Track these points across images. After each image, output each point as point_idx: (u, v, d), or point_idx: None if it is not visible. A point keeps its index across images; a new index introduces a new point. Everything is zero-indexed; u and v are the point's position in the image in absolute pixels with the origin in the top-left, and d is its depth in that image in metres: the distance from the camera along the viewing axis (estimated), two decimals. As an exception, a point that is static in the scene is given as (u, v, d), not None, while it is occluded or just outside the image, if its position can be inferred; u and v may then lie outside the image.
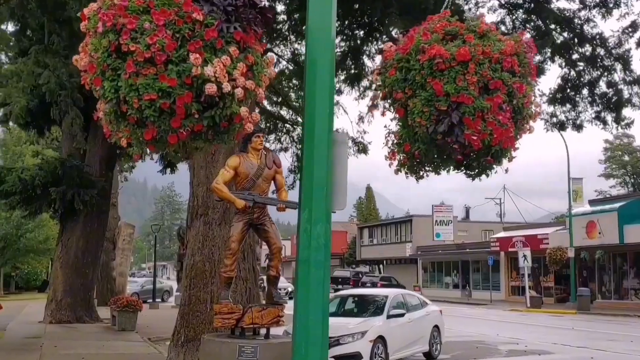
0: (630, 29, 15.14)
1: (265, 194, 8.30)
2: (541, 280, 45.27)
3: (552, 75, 17.23)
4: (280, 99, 21.16)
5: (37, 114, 22.18)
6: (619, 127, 16.33)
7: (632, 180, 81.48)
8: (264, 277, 8.03)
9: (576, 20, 15.33)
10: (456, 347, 17.67)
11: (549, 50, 15.87)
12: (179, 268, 40.77)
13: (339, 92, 19.40)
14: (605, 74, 15.88)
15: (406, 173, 5.65)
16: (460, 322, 23.79)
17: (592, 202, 43.17)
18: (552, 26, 15.61)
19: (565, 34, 15.36)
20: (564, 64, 16.30)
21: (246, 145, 8.33)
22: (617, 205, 38.29)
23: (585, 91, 16.24)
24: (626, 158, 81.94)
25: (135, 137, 4.99)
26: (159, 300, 41.84)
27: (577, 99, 16.38)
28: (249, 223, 8.17)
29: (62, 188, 22.91)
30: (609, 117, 16.34)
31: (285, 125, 22.76)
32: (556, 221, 62.49)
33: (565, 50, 15.73)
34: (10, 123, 29.65)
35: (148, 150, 5.57)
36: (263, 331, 7.98)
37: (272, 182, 8.37)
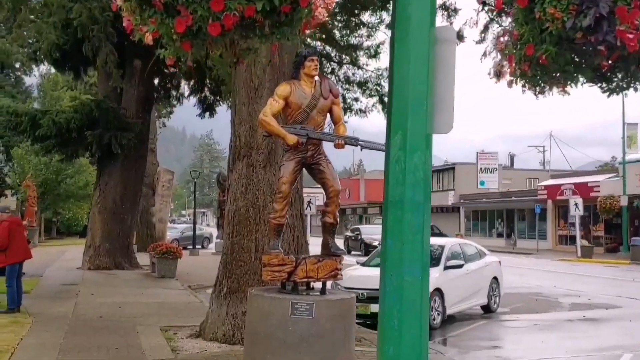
0: None
1: (321, 128, 7.17)
2: (591, 229, 43.70)
3: None
4: (324, 36, 19.81)
5: (70, 53, 21.23)
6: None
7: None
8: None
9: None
10: (514, 300, 16.58)
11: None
12: (218, 215, 40.23)
13: (389, 26, 17.98)
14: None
15: (523, 86, 4.39)
16: (510, 272, 22.64)
17: (647, 149, 41.26)
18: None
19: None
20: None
21: (298, 72, 7.17)
22: (675, 151, 36.48)
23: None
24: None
25: (164, 29, 3.85)
26: (199, 247, 41.45)
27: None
28: (301, 162, 7.07)
29: (99, 131, 22.13)
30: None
31: (331, 63, 21.34)
32: (600, 169, 60.67)
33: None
34: (44, 64, 28.89)
35: (184, 57, 4.40)
36: (318, 285, 6.94)
37: (329, 114, 7.24)
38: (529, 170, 67.18)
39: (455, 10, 17.23)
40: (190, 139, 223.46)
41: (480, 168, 56.37)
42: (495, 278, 15.15)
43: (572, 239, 45.08)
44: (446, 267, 13.35)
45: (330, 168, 7.12)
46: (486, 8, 16.18)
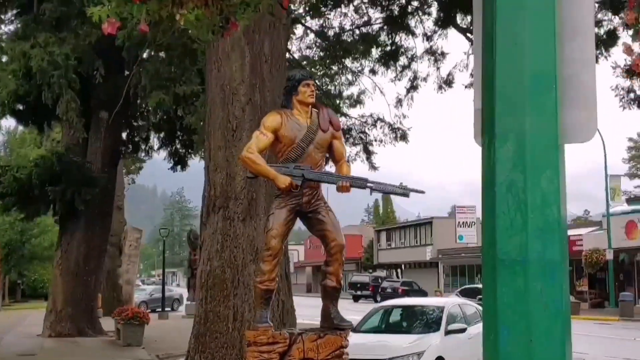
0: None
1: (319, 168, 5.80)
2: (575, 284, 42.50)
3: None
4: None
5: (32, 104, 19.77)
6: None
7: (657, 181, 78.54)
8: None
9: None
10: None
11: None
12: (189, 275, 38.44)
13: (373, 72, 16.84)
14: None
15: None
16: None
17: (630, 201, 40.47)
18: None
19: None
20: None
21: (290, 99, 5.82)
22: (661, 203, 35.68)
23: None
24: (652, 157, 79.00)
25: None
26: (169, 309, 39.45)
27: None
28: (295, 210, 5.67)
29: (61, 187, 20.51)
30: None
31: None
32: (575, 223, 59.96)
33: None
34: (6, 119, 27.37)
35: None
36: (318, 368, 5.49)
37: (328, 151, 5.90)
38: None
39: (443, 54, 16.14)
40: (161, 197, 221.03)
41: (458, 222, 55.26)
42: (498, 342, 13.67)
43: (555, 295, 43.84)
44: (447, 332, 11.87)
45: (331, 217, 5.72)
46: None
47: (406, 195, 5.57)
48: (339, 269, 5.73)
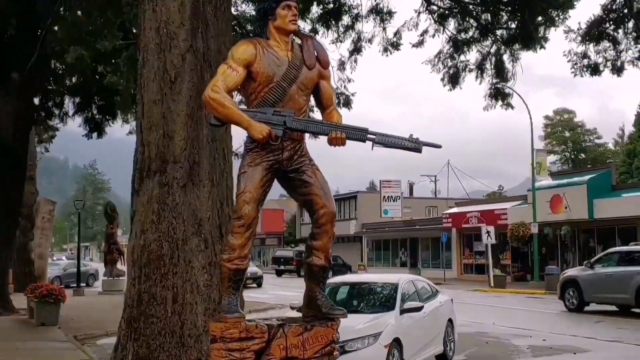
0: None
1: (304, 115, 4.58)
2: (499, 258, 42.66)
3: (582, 8, 14.08)
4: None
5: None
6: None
7: (573, 157, 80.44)
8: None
9: None
10: (462, 342, 14.30)
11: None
12: (106, 250, 36.50)
13: (314, 32, 15.58)
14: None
15: None
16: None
17: (554, 175, 40.69)
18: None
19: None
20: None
21: (265, 25, 4.56)
22: (586, 177, 35.88)
23: (630, 25, 12.93)
24: (567, 134, 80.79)
25: None
26: (84, 284, 37.48)
27: (618, 34, 13.07)
28: (273, 168, 4.45)
29: (-33, 152, 18.55)
30: (656, 58, 13.14)
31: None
32: (484, 199, 60.65)
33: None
34: None
35: None
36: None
37: (313, 93, 4.69)
38: (428, 199, 66.46)
39: (390, 13, 15.01)
40: (73, 170, 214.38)
41: (384, 196, 54.80)
42: (450, 320, 12.84)
43: (477, 268, 44.00)
44: (402, 311, 10.87)
45: (319, 178, 4.53)
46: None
47: (418, 150, 4.43)
48: (329, 243, 4.58)
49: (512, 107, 14.54)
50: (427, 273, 47.77)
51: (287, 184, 4.61)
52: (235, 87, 4.43)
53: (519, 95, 28.85)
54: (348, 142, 4.39)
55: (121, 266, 32.29)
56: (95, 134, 24.37)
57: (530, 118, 36.46)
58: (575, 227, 37.02)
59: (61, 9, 15.90)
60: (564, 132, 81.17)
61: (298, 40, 4.62)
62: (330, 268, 4.76)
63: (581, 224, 36.24)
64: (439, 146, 4.52)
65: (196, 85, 8.23)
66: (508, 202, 43.90)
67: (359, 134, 4.39)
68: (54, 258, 59.21)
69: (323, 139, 4.45)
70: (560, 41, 15.36)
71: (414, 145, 4.40)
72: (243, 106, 4.60)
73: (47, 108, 25.28)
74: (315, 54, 4.60)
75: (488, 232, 35.52)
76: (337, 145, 4.39)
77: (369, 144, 4.41)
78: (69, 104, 24.78)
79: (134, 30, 16.11)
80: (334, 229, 4.65)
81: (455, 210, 47.89)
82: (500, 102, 14.31)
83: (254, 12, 17.04)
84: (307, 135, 4.57)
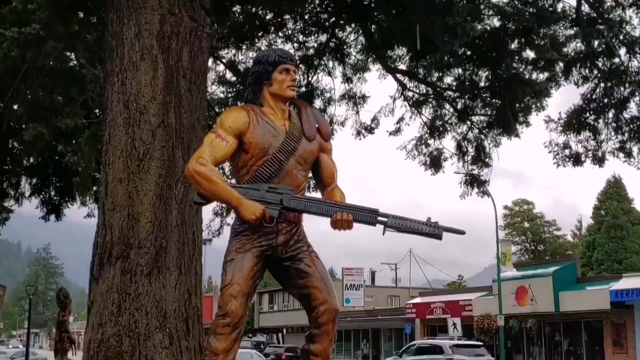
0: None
1: (302, 193, 3.95)
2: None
3: (560, 96, 13.88)
4: None
5: None
6: (647, 162, 12.84)
7: (532, 248, 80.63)
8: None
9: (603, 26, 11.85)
10: None
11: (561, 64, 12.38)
12: (57, 338, 34.67)
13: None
14: (638, 92, 12.46)
15: None
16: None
17: (517, 266, 40.40)
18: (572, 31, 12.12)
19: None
20: (580, 80, 12.77)
21: (259, 90, 3.97)
22: (551, 269, 35.60)
23: (611, 114, 12.74)
24: (526, 225, 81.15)
25: None
26: (32, 375, 35.50)
27: (598, 124, 12.86)
28: (264, 255, 3.78)
29: None
30: (636, 149, 12.91)
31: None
32: (447, 288, 60.26)
33: (590, 61, 12.23)
34: None
35: None
36: None
37: (312, 168, 4.07)
38: (390, 288, 65.63)
39: (364, 98, 14.69)
40: (27, 254, 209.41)
41: (346, 285, 53.79)
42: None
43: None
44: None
45: (319, 267, 3.87)
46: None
47: (438, 236, 3.81)
48: (330, 347, 3.89)
49: (489, 195, 14.15)
50: (390, 366, 46.64)
51: (280, 273, 3.94)
52: (224, 159, 3.81)
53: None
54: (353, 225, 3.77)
55: (72, 356, 30.63)
56: (52, 216, 23.39)
57: (495, 208, 36.39)
58: (541, 319, 36.50)
59: (21, 86, 15.24)
60: (523, 223, 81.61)
61: (294, 108, 4.05)
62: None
63: (547, 317, 35.73)
64: (462, 232, 3.92)
65: (166, 163, 7.59)
66: (472, 292, 43.34)
67: (368, 216, 3.77)
68: (10, 346, 56.63)
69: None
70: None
71: (432, 231, 3.79)
72: (232, 181, 3.97)
73: (2, 189, 24.30)
74: (316, 124, 4.02)
75: (454, 324, 34.85)
76: (343, 228, 3.76)
77: (378, 227, 3.79)
78: (25, 185, 23.87)
79: (96, 111, 15.56)
80: (335, 330, 3.96)
81: (419, 300, 47.11)
82: (476, 189, 13.91)
83: (222, 95, 16.66)
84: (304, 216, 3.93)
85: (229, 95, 16.20)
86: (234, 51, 14.00)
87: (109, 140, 7.77)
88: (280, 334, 65.46)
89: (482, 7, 10.64)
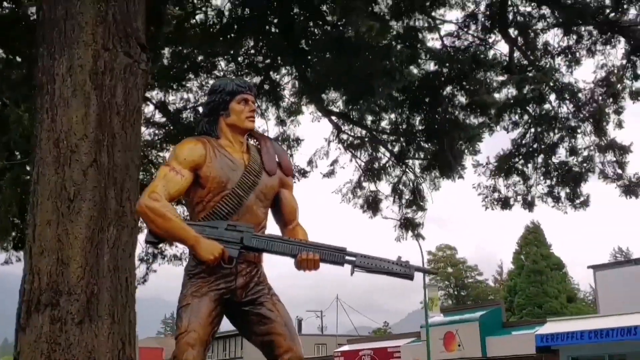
0: (603, 82, 12.17)
1: (262, 231, 3.68)
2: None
3: (490, 141, 14.11)
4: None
5: None
6: (574, 207, 13.09)
7: (456, 293, 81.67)
8: None
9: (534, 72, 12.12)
10: None
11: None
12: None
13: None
14: (567, 137, 12.73)
15: None
16: None
17: (445, 312, 40.60)
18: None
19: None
20: (510, 126, 13.00)
21: (215, 121, 3.72)
22: (478, 314, 35.84)
23: (540, 159, 12.95)
24: (450, 270, 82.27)
25: None
26: None
27: (527, 169, 13.06)
28: (222, 299, 3.48)
29: None
30: (563, 193, 13.14)
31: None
32: (373, 335, 60.28)
33: (521, 106, 12.45)
34: None
35: None
36: None
37: (272, 205, 3.82)
38: (316, 336, 65.03)
39: (298, 141, 14.56)
40: None
41: (272, 333, 52.96)
42: None
43: (369, 410, 42.56)
44: None
45: (282, 312, 3.60)
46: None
47: (409, 276, 3.60)
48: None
49: (423, 238, 14.15)
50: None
51: (239, 319, 3.64)
52: (179, 194, 3.52)
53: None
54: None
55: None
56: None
57: (422, 252, 36.59)
58: (468, 365, 36.62)
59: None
60: (446, 268, 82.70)
61: (252, 141, 3.81)
62: None
63: (475, 363, 35.88)
64: (435, 272, 3.78)
65: (98, 204, 7.18)
66: (401, 339, 43.20)
67: (336, 256, 3.54)
68: None
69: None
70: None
71: (404, 271, 3.59)
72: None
73: None
74: (276, 158, 3.79)
75: (382, 371, 34.56)
76: (309, 269, 3.51)
77: (346, 267, 3.55)
78: None
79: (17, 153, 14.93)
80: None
81: (347, 347, 46.67)
82: (410, 233, 13.87)
83: (149, 138, 16.24)
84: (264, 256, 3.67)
85: (157, 137, 15.81)
86: (163, 92, 13.71)
87: (37, 180, 7.33)
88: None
89: (419, 51, 10.71)
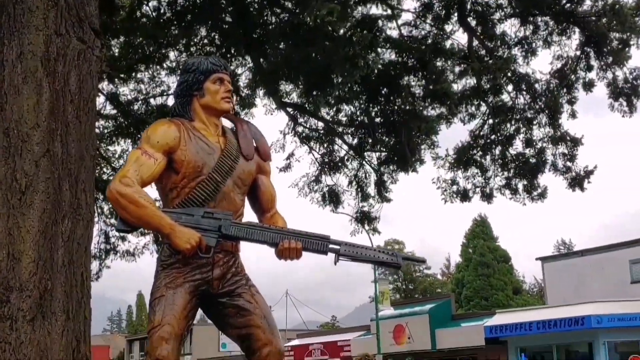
0: (558, 73, 12.26)
1: (240, 219, 3.48)
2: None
3: (448, 132, 14.10)
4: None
5: None
6: (532, 199, 13.18)
7: (404, 287, 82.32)
8: None
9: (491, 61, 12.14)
10: None
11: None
12: None
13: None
14: (523, 129, 12.80)
15: None
16: None
17: (395, 305, 40.85)
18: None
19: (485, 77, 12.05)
20: (467, 117, 13.01)
21: (189, 101, 3.51)
22: (427, 307, 36.14)
23: (497, 151, 13.00)
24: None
25: None
26: None
27: (485, 161, 13.09)
28: (198, 291, 3.28)
29: None
30: (521, 185, 13.22)
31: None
32: (323, 329, 60.50)
33: (480, 97, 12.47)
34: None
35: None
36: None
37: (250, 191, 3.62)
38: (266, 331, 64.84)
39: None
40: None
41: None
42: None
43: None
44: None
45: (260, 304, 3.40)
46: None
47: (397, 265, 3.44)
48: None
49: (379, 232, 14.07)
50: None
51: (215, 311, 3.44)
52: (152, 179, 3.30)
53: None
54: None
55: None
56: None
57: (370, 239, 36.56)
58: (418, 358, 36.87)
59: None
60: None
61: (228, 123, 3.61)
62: None
63: (424, 355, 36.14)
64: (423, 260, 3.57)
65: (52, 196, 6.85)
66: (351, 332, 43.32)
67: (319, 244, 3.36)
68: None
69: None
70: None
71: (391, 259, 3.43)
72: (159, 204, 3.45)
73: None
74: (254, 142, 3.59)
75: (333, 366, 34.57)
76: (291, 258, 3.32)
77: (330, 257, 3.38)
78: None
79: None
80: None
81: (297, 342, 46.61)
82: (367, 227, 13.78)
83: (98, 131, 15.80)
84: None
85: (107, 130, 15.39)
86: (114, 83, 13.32)
87: (-14, 170, 6.95)
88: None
89: (379, 39, 10.58)
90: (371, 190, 13.13)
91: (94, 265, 15.89)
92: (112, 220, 15.02)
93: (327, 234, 3.41)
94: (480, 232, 61.54)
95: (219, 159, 3.41)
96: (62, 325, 6.68)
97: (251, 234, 3.34)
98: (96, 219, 15.46)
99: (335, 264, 3.41)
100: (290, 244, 3.32)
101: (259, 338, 3.40)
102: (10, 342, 6.34)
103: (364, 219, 13.74)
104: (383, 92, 11.61)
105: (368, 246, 3.49)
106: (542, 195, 13.33)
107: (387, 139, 12.49)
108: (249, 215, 3.68)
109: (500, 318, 32.83)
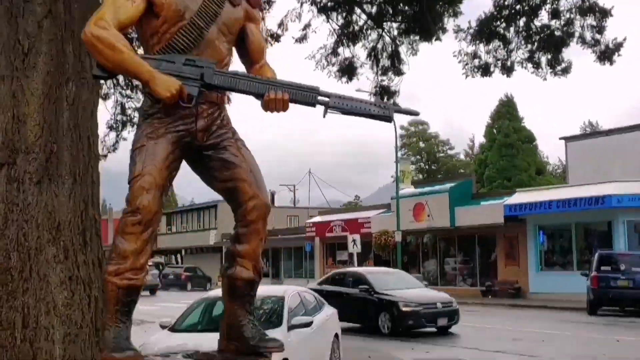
0: None
1: (225, 67, 3.33)
2: (363, 266, 42.56)
3: (471, 3, 13.54)
4: None
5: None
6: (555, 73, 12.78)
7: (427, 167, 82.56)
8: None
9: None
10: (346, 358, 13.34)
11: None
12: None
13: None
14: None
15: None
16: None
17: (416, 184, 41.05)
18: None
19: None
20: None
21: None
22: (448, 186, 36.28)
23: (521, 22, 12.49)
24: (422, 144, 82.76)
25: None
26: None
27: (509, 33, 12.60)
28: (182, 142, 3.17)
29: None
30: (544, 59, 12.78)
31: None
32: (345, 207, 61.28)
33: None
34: None
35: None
36: None
37: (237, 41, 3.44)
38: (289, 208, 65.90)
39: (269, 2, 13.84)
40: None
41: (245, 205, 53.57)
42: (336, 335, 11.85)
43: (340, 277, 43.75)
44: (291, 327, 9.73)
45: (246, 157, 3.30)
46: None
47: (388, 118, 3.29)
48: (259, 248, 3.37)
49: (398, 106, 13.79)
50: (290, 283, 47.08)
51: (200, 165, 3.35)
52: (130, 22, 3.13)
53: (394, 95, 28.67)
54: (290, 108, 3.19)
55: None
56: None
57: (395, 126, 36.47)
58: (437, 235, 37.41)
59: None
60: (418, 142, 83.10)
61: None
62: (259, 280, 3.53)
63: (443, 232, 36.62)
64: (416, 113, 3.41)
65: (55, 59, 6.71)
66: (371, 210, 43.86)
67: (307, 95, 3.20)
68: None
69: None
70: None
71: (382, 112, 3.27)
72: (140, 51, 3.30)
73: None
74: (241, -16, 3.38)
75: (354, 240, 35.09)
76: (277, 110, 3.19)
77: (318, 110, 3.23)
78: None
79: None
80: (266, 229, 3.45)
81: (318, 219, 47.39)
82: (386, 101, 13.49)
83: None
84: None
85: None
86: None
87: (-12, 32, 6.79)
88: (179, 255, 64.90)
89: None
90: (387, 62, 12.76)
91: (111, 137, 15.91)
92: (128, 92, 14.88)
93: (316, 85, 3.25)
94: (505, 112, 60.74)
95: (202, 2, 3.21)
96: (70, 188, 6.71)
97: (236, 83, 3.19)
98: (112, 91, 15.33)
99: (324, 116, 3.26)
100: (277, 95, 3.16)
101: (245, 191, 3.32)
102: (17, 203, 6.38)
103: (384, 93, 13.46)
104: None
105: (359, 98, 3.33)
106: (566, 71, 12.91)
107: (407, 9, 12.03)
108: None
109: (520, 197, 32.91)
